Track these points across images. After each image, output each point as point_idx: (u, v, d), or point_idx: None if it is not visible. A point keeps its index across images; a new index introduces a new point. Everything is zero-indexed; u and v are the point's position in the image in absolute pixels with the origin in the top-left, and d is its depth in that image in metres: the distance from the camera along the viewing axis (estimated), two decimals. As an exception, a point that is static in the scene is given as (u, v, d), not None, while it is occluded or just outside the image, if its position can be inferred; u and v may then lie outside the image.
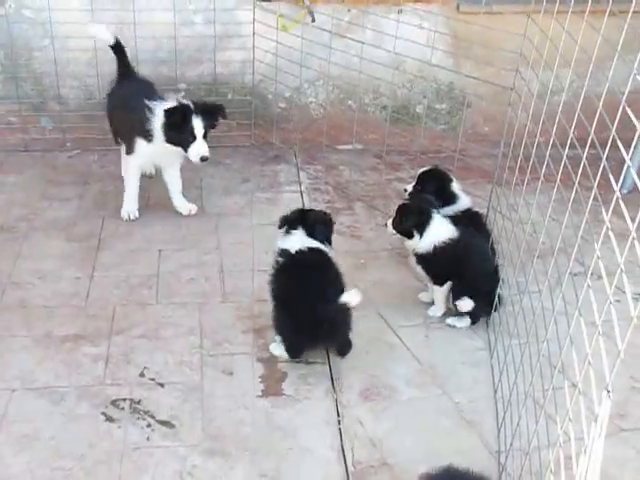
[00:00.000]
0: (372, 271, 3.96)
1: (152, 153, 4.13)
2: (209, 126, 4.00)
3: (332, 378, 3.17)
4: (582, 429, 1.86)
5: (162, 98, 4.09)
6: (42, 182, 4.72)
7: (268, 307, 3.49)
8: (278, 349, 3.28)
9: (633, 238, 1.70)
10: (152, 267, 3.89)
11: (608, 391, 1.70)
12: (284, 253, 3.29)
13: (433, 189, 3.83)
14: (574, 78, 2.85)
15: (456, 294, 3.51)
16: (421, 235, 3.46)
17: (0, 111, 5.10)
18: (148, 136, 4.04)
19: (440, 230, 3.47)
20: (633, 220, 1.71)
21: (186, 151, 3.98)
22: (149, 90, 4.24)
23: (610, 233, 1.92)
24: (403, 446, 2.83)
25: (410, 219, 3.48)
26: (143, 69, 4.93)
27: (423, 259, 3.52)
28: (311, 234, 3.34)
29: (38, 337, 3.31)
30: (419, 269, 3.58)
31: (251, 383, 3.12)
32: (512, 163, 3.51)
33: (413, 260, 3.59)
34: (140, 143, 4.10)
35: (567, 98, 2.79)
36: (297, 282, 3.17)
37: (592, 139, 2.29)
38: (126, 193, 4.32)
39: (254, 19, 4.97)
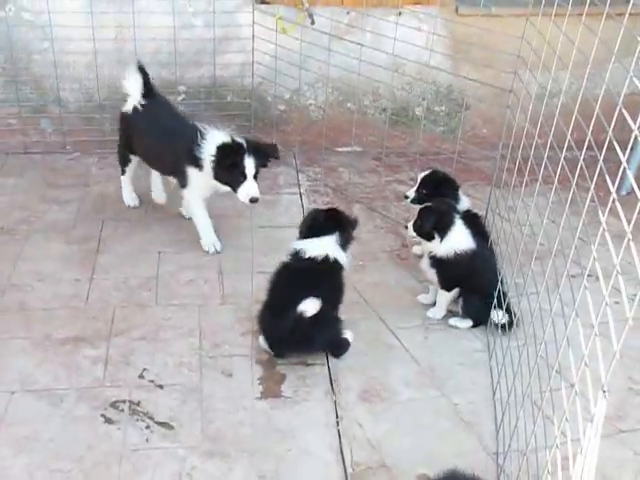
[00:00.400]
0: (371, 273, 3.97)
1: (207, 181, 3.87)
2: (260, 165, 3.81)
3: (331, 380, 3.18)
4: (579, 430, 1.86)
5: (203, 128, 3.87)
6: (42, 185, 4.73)
7: (267, 309, 3.50)
8: (263, 342, 3.30)
9: (629, 239, 1.70)
10: (151, 269, 3.89)
11: (604, 391, 1.70)
12: (299, 256, 3.26)
13: (438, 192, 3.80)
14: (572, 80, 2.86)
15: (467, 302, 3.54)
16: (442, 238, 3.45)
17: (0, 114, 5.11)
18: (199, 164, 3.82)
19: (461, 237, 3.47)
20: (629, 222, 1.72)
21: (235, 191, 3.79)
22: (182, 115, 4.16)
23: (607, 234, 1.93)
24: (401, 447, 2.83)
25: (431, 221, 3.46)
26: (143, 72, 4.94)
27: (440, 263, 3.51)
28: (344, 243, 3.34)
29: (37, 339, 3.32)
30: (431, 272, 3.57)
31: (250, 385, 3.12)
32: (511, 165, 3.52)
33: (427, 263, 3.57)
34: (192, 173, 3.88)
35: (565, 100, 2.80)
36: (290, 287, 3.18)
37: (589, 141, 2.30)
38: (199, 227, 4.09)
39: (253, 22, 4.99)
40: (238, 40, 5.10)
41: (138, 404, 2.98)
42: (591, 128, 2.32)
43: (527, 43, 3.50)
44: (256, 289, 3.72)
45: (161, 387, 3.08)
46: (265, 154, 3.85)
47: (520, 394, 2.69)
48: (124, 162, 4.38)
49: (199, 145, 3.78)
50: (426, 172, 3.96)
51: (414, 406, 3.07)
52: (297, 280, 3.19)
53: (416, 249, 4.14)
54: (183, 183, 3.98)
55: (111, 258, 3.97)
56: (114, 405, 2.97)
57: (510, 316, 3.35)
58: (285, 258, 3.31)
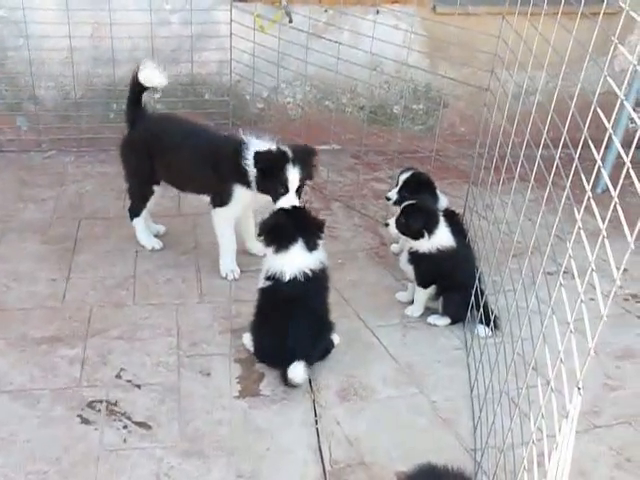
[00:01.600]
0: (350, 271, 3.98)
1: (252, 197, 3.61)
2: (305, 179, 3.47)
3: (309, 378, 3.17)
4: (555, 426, 1.88)
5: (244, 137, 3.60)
6: (17, 183, 4.68)
7: (245, 308, 3.50)
8: (247, 341, 3.29)
9: (604, 237, 1.72)
10: (129, 268, 3.87)
11: (579, 388, 1.72)
12: (275, 280, 3.13)
13: (419, 194, 3.79)
14: (548, 79, 2.88)
15: (446, 299, 3.55)
16: (430, 236, 3.46)
17: (-26, 112, 5.05)
18: (247, 181, 3.51)
19: (444, 235, 3.49)
20: (604, 219, 1.73)
21: (275, 202, 3.43)
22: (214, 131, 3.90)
23: (582, 232, 1.94)
24: (380, 445, 2.84)
25: (422, 220, 3.45)
26: (119, 70, 4.91)
27: (420, 259, 3.51)
28: (312, 247, 3.17)
29: (13, 339, 3.28)
30: (409, 269, 3.59)
31: (228, 384, 3.11)
32: (488, 163, 3.54)
33: (405, 258, 3.59)
34: (238, 191, 3.58)
35: (541, 99, 2.82)
36: (285, 314, 3.12)
37: (565, 139, 2.32)
38: (223, 249, 3.83)
39: (231, 19, 4.97)
40: (216, 38, 5.08)
41: (115, 404, 2.96)
42: (567, 127, 2.34)
43: (504, 42, 3.52)
44: (234, 288, 3.72)
45: (139, 387, 3.06)
46: (311, 165, 3.52)
47: (497, 391, 2.70)
48: (144, 198, 3.93)
49: (245, 159, 3.48)
50: (408, 174, 3.91)
51: (392, 404, 3.07)
52: (288, 305, 3.10)
53: (394, 247, 4.15)
54: (224, 201, 3.65)
55: (88, 257, 3.94)
56: (91, 405, 2.94)
57: (494, 321, 3.36)
58: (263, 283, 3.19)
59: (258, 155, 3.39)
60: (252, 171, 3.46)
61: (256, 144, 3.51)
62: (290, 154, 3.39)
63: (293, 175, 3.38)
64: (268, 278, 3.16)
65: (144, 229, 4.04)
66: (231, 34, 5.02)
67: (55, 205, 4.45)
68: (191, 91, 5.19)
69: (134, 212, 4.00)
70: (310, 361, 3.13)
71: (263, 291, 3.20)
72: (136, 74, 3.74)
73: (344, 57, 4.47)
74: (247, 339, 3.29)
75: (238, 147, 3.51)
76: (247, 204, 3.71)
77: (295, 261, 3.12)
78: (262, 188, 3.48)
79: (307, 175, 3.48)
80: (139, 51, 4.99)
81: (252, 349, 3.27)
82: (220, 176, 3.60)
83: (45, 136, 5.12)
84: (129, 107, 3.85)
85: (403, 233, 3.55)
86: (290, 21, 4.87)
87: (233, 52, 5.08)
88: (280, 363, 3.11)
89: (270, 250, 3.17)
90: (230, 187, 3.59)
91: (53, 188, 4.65)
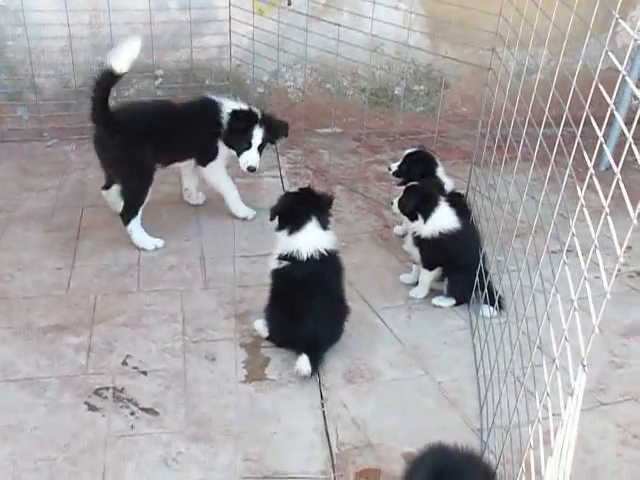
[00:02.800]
0: (354, 254, 3.97)
1: (230, 151, 4.04)
2: (268, 140, 4.00)
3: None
4: (560, 404, 1.88)
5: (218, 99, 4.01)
6: (19, 173, 4.68)
7: (249, 293, 3.52)
8: (260, 327, 3.28)
9: (607, 214, 1.71)
10: (133, 255, 3.87)
11: (584, 365, 1.72)
12: (292, 259, 3.12)
13: (419, 172, 3.81)
14: (550, 57, 2.86)
15: (452, 281, 3.55)
16: (425, 219, 3.45)
17: (-25, 102, 5.04)
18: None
19: (445, 218, 3.47)
20: (607, 197, 1.72)
21: (238, 156, 3.96)
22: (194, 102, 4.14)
23: (585, 210, 1.93)
24: (386, 427, 2.85)
25: (414, 201, 3.46)
26: (119, 56, 4.88)
27: (424, 243, 3.50)
28: (325, 224, 3.20)
29: (19, 328, 3.29)
30: (415, 251, 3.58)
31: (234, 368, 3.12)
32: (490, 143, 3.52)
33: (410, 241, 3.58)
34: (222, 145, 4.01)
35: (543, 77, 2.80)
36: (305, 295, 3.11)
37: (567, 117, 2.30)
38: (231, 198, 4.23)
39: (230, 3, 4.94)
40: (215, 22, 5.06)
41: (122, 391, 2.97)
42: (568, 104, 2.32)
43: (504, 20, 3.49)
44: (238, 273, 3.72)
45: (145, 373, 3.07)
46: (276, 131, 4.03)
47: (503, 370, 2.71)
48: (145, 190, 3.86)
49: (222, 117, 3.91)
50: (412, 150, 3.96)
51: (398, 385, 3.08)
52: (306, 285, 3.10)
53: (397, 229, 4.15)
54: (210, 158, 4.05)
55: (91, 245, 3.94)
56: (98, 392, 2.95)
57: (499, 301, 3.36)
58: (277, 263, 3.17)
59: (235, 113, 3.89)
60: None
61: (230, 104, 3.96)
62: (259, 115, 3.93)
63: (257, 134, 3.90)
64: (283, 259, 3.14)
65: (141, 230, 3.93)
66: (230, 18, 4.99)
67: (58, 194, 4.45)
68: (191, 76, 5.16)
69: (132, 213, 3.86)
70: (328, 344, 3.16)
71: (277, 272, 3.17)
72: (107, 68, 3.55)
73: (344, 39, 4.43)
74: (260, 324, 3.28)
75: (216, 107, 3.94)
76: (229, 156, 4.08)
77: (310, 239, 3.13)
78: (230, 143, 3.96)
79: (270, 137, 4.00)
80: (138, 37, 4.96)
81: (266, 334, 3.26)
82: (205, 135, 3.97)
83: (46, 125, 5.11)
84: (100, 107, 3.63)
85: (403, 213, 3.55)
86: (289, 3, 4.85)
87: (232, 36, 5.06)
88: (300, 345, 3.10)
89: (284, 232, 3.16)
90: (214, 143, 4.00)
91: (55, 177, 4.65)
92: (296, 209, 3.18)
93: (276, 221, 3.20)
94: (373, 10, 4.28)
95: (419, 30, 4.78)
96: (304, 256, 3.10)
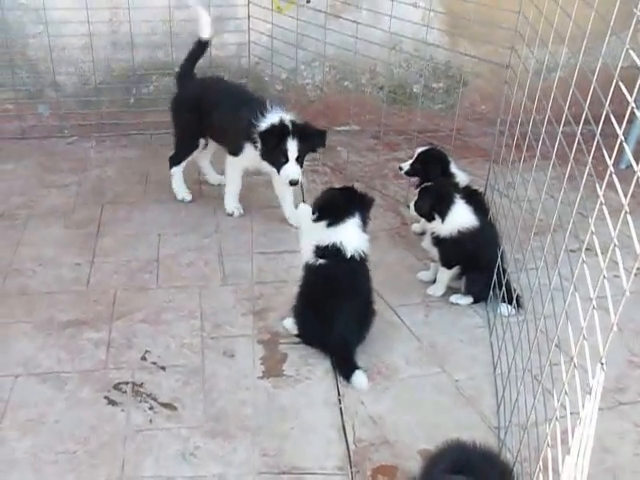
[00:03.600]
0: (371, 252, 3.93)
1: (257, 159, 3.97)
2: (306, 150, 3.87)
3: (332, 358, 3.19)
4: (578, 402, 1.88)
5: (267, 105, 3.91)
6: (40, 169, 4.73)
7: (267, 289, 3.54)
8: (290, 325, 3.29)
9: (626, 212, 1.70)
10: (152, 251, 3.90)
11: (602, 364, 1.71)
12: (334, 255, 3.13)
13: (431, 169, 3.83)
14: (570, 55, 2.84)
15: (470, 279, 3.54)
16: (443, 219, 3.45)
17: (-3, 99, 5.10)
18: (255, 142, 3.90)
19: (463, 216, 3.47)
20: (627, 195, 1.72)
21: (278, 172, 3.86)
22: (249, 94, 4.22)
23: (604, 208, 1.93)
24: (403, 424, 2.85)
25: (429, 202, 3.47)
26: (138, 54, 4.93)
27: (443, 242, 3.50)
28: (365, 224, 3.23)
29: (40, 323, 3.33)
30: (433, 250, 3.58)
31: (252, 365, 3.14)
32: (509, 141, 3.51)
33: (429, 241, 3.58)
34: (248, 148, 3.96)
35: (563, 75, 2.78)
36: (339, 295, 3.12)
37: (587, 115, 2.29)
38: (228, 189, 4.28)
39: (249, 1, 4.96)
40: (234, 20, 5.08)
41: (141, 386, 3.00)
42: (588, 102, 2.31)
43: (524, 17, 3.47)
44: (256, 269, 3.74)
45: (163, 369, 3.10)
46: (312, 140, 3.89)
47: (520, 369, 2.70)
48: (189, 150, 4.30)
49: (256, 124, 3.84)
50: (423, 148, 3.97)
51: (415, 383, 3.08)
52: (346, 284, 3.12)
53: (415, 227, 4.14)
54: (236, 153, 4.07)
55: (111, 241, 3.98)
56: (117, 387, 2.99)
57: (517, 300, 3.35)
58: (313, 258, 3.16)
59: (262, 133, 3.80)
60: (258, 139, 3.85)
61: (272, 117, 3.84)
62: (290, 127, 3.79)
63: (292, 146, 3.78)
64: (321, 254, 3.14)
65: (180, 179, 4.37)
66: (249, 16, 5.00)
67: (78, 190, 4.49)
68: (210, 74, 5.17)
69: (175, 160, 4.32)
70: (356, 346, 3.18)
71: (315, 268, 3.15)
72: (200, 38, 4.20)
73: (362, 36, 4.43)
74: (289, 323, 3.29)
75: (257, 111, 3.85)
76: (255, 163, 4.02)
77: (352, 236, 3.15)
78: (266, 159, 3.88)
79: (308, 147, 3.87)
80: (157, 35, 5.01)
81: (296, 331, 3.27)
82: (236, 130, 3.97)
83: (66, 122, 5.16)
84: (184, 70, 4.26)
85: (420, 215, 3.56)
86: (307, 1, 4.85)
87: (251, 34, 5.07)
88: (329, 349, 3.15)
89: (323, 223, 3.16)
90: (242, 143, 3.97)
91: (75, 173, 4.69)
92: (340, 203, 3.21)
93: (310, 211, 3.22)
94: (392, 7, 4.28)
95: (438, 27, 4.77)
96: (348, 253, 3.12)
